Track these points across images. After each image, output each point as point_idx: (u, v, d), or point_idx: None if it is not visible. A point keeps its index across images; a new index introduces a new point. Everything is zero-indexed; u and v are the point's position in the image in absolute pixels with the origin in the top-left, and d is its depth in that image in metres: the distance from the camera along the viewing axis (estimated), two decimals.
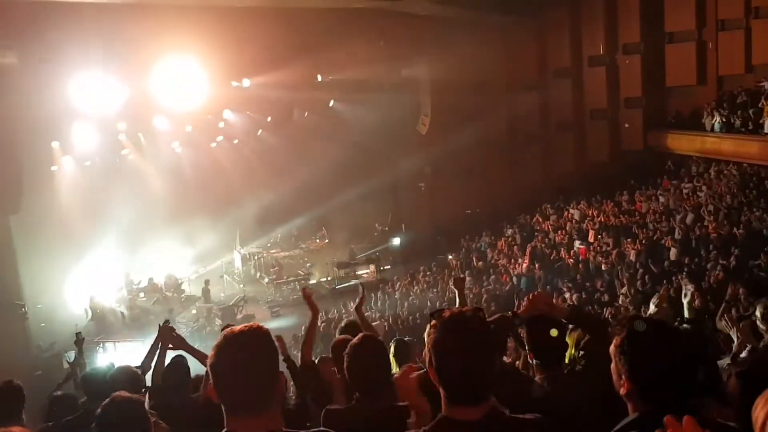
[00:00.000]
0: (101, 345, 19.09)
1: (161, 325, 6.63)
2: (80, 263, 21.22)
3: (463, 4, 20.69)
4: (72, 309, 20.41)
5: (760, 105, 20.07)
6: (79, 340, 6.99)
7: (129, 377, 4.34)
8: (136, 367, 4.97)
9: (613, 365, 2.30)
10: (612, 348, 2.31)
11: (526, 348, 3.54)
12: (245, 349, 1.97)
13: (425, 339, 2.14)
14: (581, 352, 3.76)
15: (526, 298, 3.50)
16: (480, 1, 21.07)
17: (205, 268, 24.66)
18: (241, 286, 24.03)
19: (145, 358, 6.42)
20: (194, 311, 21.77)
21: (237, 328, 2.04)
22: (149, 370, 5.90)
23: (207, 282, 22.67)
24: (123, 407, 3.11)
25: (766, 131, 19.52)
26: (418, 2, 19.43)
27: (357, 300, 5.75)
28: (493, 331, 2.17)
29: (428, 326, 2.12)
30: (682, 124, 23.57)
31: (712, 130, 21.69)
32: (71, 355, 7.80)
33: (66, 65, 16.45)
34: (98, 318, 20.04)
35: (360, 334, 3.46)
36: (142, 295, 21.65)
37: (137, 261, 22.63)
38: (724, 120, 21.27)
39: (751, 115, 20.21)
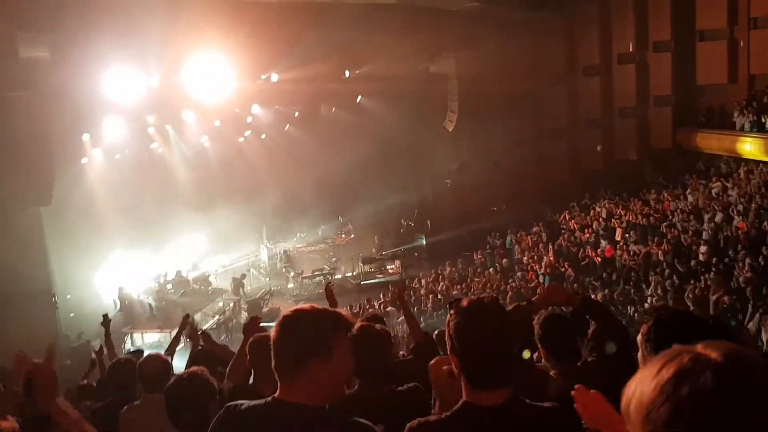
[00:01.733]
0: (129, 335, 19.42)
1: (184, 319, 6.78)
2: (109, 255, 21.54)
3: (491, 0, 20.60)
4: (101, 300, 20.73)
5: None
6: (106, 321, 7.11)
7: (159, 364, 4.39)
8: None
9: (639, 354, 2.33)
10: (639, 337, 2.33)
11: (539, 344, 3.59)
12: (304, 325, 2.11)
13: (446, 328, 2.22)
14: (591, 343, 3.78)
15: (540, 289, 3.56)
16: None
17: (232, 261, 24.91)
18: (268, 279, 24.23)
19: (167, 350, 6.56)
20: (221, 304, 22.01)
21: (303, 306, 2.17)
22: (171, 360, 6.03)
23: (243, 276, 22.90)
24: (194, 381, 3.19)
25: None
26: None
27: (396, 290, 5.79)
28: (510, 319, 2.24)
29: (448, 315, 2.18)
30: (712, 122, 23.23)
31: (743, 129, 21.34)
32: (97, 344, 7.96)
33: (97, 58, 16.64)
34: (126, 309, 20.32)
35: (359, 324, 3.52)
36: (169, 287, 21.92)
37: (165, 253, 22.92)
38: (754, 119, 20.92)
39: None
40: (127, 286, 20.87)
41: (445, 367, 2.43)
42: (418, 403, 3.05)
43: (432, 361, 2.67)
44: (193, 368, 3.29)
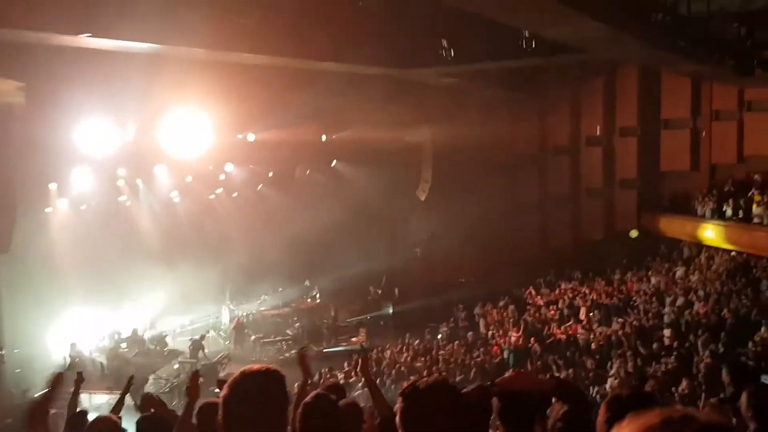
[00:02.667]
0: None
1: (128, 381, 6.50)
2: (65, 309, 20.86)
3: (469, 78, 21.21)
4: (51, 356, 19.94)
5: (750, 195, 20.44)
6: (78, 379, 6.80)
7: (109, 427, 4.19)
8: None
9: None
10: (599, 418, 2.33)
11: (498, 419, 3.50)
12: (260, 387, 2.02)
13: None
14: (559, 425, 3.70)
15: (508, 372, 3.48)
16: (485, 76, 21.62)
17: (192, 321, 24.29)
18: (227, 343, 23.62)
19: (112, 411, 6.26)
20: (176, 366, 21.30)
21: (255, 366, 2.10)
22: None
23: (202, 337, 22.29)
24: None
25: (755, 221, 19.82)
26: (425, 73, 19.92)
27: (359, 361, 5.62)
28: (467, 401, 2.17)
29: (398, 398, 2.12)
30: (675, 208, 23.90)
31: (704, 216, 21.98)
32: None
33: (72, 108, 16.53)
34: (76, 367, 19.57)
35: (313, 393, 3.42)
36: (124, 345, 21.23)
37: (123, 310, 22.27)
38: (715, 207, 21.59)
39: (742, 205, 20.55)
40: (79, 343, 20.16)
41: None
42: None
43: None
44: None
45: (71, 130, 17.25)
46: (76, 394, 6.73)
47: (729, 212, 20.92)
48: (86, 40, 13.51)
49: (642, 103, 24.66)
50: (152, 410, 5.57)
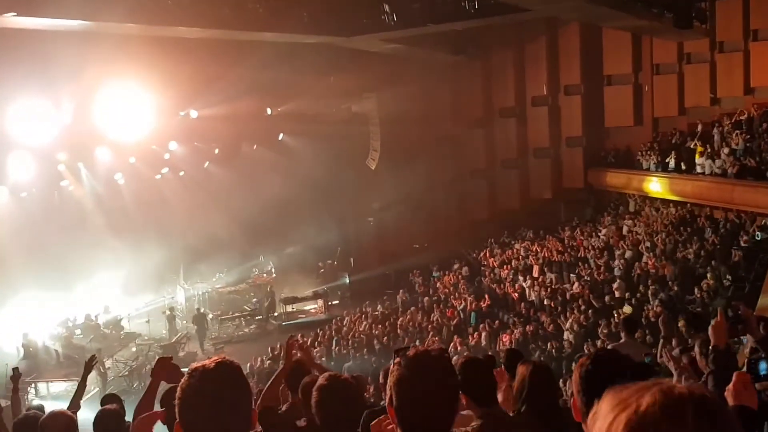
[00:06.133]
0: (33, 385, 18.24)
1: (88, 361, 6.37)
2: (14, 298, 20.28)
3: (412, 43, 21.07)
4: (3, 347, 19.44)
5: (692, 146, 21.00)
6: (15, 375, 6.59)
7: (63, 423, 4.09)
8: (68, 409, 4.73)
9: (573, 398, 2.32)
10: (575, 378, 2.33)
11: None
12: (219, 379, 1.90)
13: (388, 375, 2.10)
14: (525, 392, 3.75)
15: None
16: (429, 41, 21.51)
17: (147, 303, 23.90)
18: (184, 322, 23.36)
19: (74, 398, 6.12)
20: (134, 349, 21.04)
21: (212, 359, 1.97)
22: (78, 410, 5.62)
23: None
24: None
25: (698, 171, 20.40)
26: (368, 40, 19.68)
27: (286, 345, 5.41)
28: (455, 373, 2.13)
29: (391, 363, 2.07)
30: (620, 162, 24.40)
31: (648, 169, 22.51)
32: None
33: (3, 91, 15.87)
34: (31, 356, 19.14)
35: (326, 374, 3.41)
36: (78, 332, 20.81)
37: (74, 297, 21.76)
38: (659, 159, 22.12)
39: (685, 156, 21.11)
40: (32, 332, 19.67)
41: (390, 427, 2.33)
42: None
43: (374, 422, 2.56)
44: None
45: (4, 114, 16.58)
46: (15, 391, 6.53)
47: (672, 164, 21.47)
48: (12, 20, 12.94)
49: (584, 61, 24.94)
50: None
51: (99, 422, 4.59)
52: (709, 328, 3.70)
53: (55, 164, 20.46)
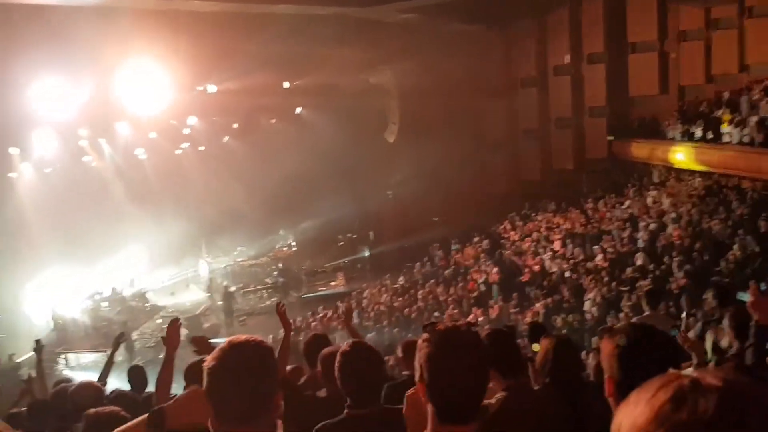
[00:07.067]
0: (63, 356, 18.68)
1: (117, 338, 6.52)
2: (42, 273, 20.68)
3: (430, 13, 20.77)
4: (33, 320, 19.91)
5: (719, 114, 20.53)
6: (39, 348, 6.79)
7: (90, 394, 4.17)
8: (97, 382, 4.82)
9: (606, 374, 2.27)
10: (606, 354, 2.28)
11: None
12: (248, 359, 1.96)
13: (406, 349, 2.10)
14: (548, 366, 3.72)
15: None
16: (447, 10, 21.17)
17: (171, 277, 24.27)
18: (208, 295, 23.68)
19: (102, 372, 6.28)
20: (159, 321, 21.41)
21: (242, 337, 2.04)
22: (106, 384, 5.76)
23: (227, 287, 22.53)
24: (101, 421, 3.06)
25: (725, 140, 19.97)
26: (384, 10, 19.44)
27: (343, 313, 5.80)
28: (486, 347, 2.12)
29: (420, 339, 2.05)
30: (644, 132, 23.98)
31: (674, 139, 22.10)
32: (25, 372, 7.60)
33: (25, 69, 16.00)
34: (60, 329, 19.64)
35: (350, 341, 3.43)
36: (105, 304, 21.23)
37: (101, 270, 22.15)
38: (684, 129, 21.69)
39: (711, 125, 20.65)
40: (60, 305, 20.13)
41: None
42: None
43: (410, 391, 2.58)
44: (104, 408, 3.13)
45: (26, 91, 16.74)
46: (40, 362, 6.72)
47: (698, 133, 21.03)
48: None
49: (608, 29, 24.40)
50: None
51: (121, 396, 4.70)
52: (748, 304, 3.66)
53: (77, 140, 20.68)
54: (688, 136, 21.47)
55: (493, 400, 3.19)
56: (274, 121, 25.45)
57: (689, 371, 1.07)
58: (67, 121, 18.23)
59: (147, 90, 18.98)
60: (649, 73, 23.91)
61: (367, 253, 25.69)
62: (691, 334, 6.80)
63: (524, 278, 19.21)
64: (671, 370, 1.09)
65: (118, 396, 4.82)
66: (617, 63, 24.56)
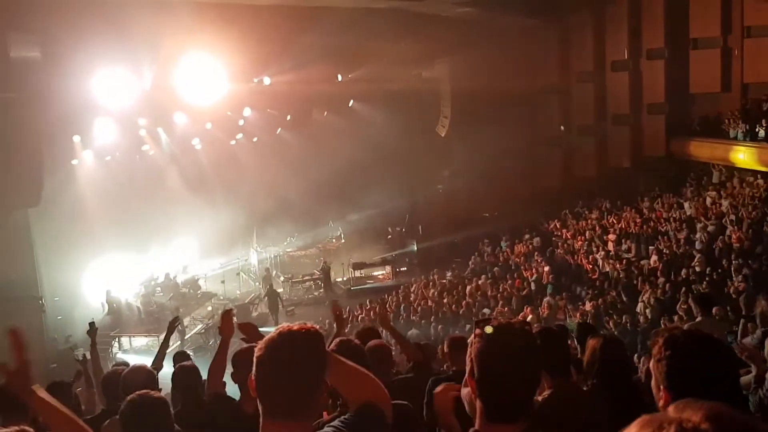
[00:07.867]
0: (116, 339, 19.23)
1: (172, 322, 6.65)
2: (98, 257, 21.33)
3: (485, 6, 20.53)
4: (89, 303, 20.54)
5: None
6: (92, 330, 6.96)
7: (143, 378, 4.27)
8: (151, 367, 4.93)
9: (653, 380, 2.21)
10: (652, 361, 2.22)
11: None
12: (297, 349, 1.92)
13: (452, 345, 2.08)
14: (596, 367, 3.66)
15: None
16: (503, 3, 20.90)
17: (222, 265, 24.73)
18: (257, 284, 24.05)
19: (157, 356, 6.42)
20: (210, 308, 21.84)
21: (294, 325, 1.99)
22: (161, 369, 5.89)
23: (275, 276, 23.12)
24: (146, 405, 3.13)
25: None
26: (439, 4, 19.31)
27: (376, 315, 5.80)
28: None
29: (473, 335, 2.03)
30: (705, 131, 23.22)
31: (736, 138, 21.35)
32: (80, 352, 7.81)
33: (88, 60, 16.52)
34: (114, 312, 20.17)
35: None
36: (158, 290, 21.75)
37: (155, 256, 22.72)
38: (747, 128, 20.93)
39: None
40: (115, 290, 20.69)
41: (452, 393, 2.32)
42: (406, 419, 2.95)
43: (438, 389, 2.56)
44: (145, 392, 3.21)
45: (88, 81, 17.29)
46: (94, 345, 6.89)
47: (762, 133, 20.26)
48: None
49: (669, 24, 23.68)
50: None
51: (177, 377, 4.79)
52: None
53: (137, 129, 21.22)
54: (750, 136, 20.72)
55: (538, 398, 3.16)
56: (326, 113, 25.61)
57: (682, 405, 1.02)
58: (126, 110, 18.73)
59: (204, 81, 19.37)
60: (711, 69, 23.11)
61: (415, 248, 25.64)
62: (748, 340, 6.58)
63: (592, 275, 18.72)
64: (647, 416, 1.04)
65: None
66: (678, 59, 23.83)
